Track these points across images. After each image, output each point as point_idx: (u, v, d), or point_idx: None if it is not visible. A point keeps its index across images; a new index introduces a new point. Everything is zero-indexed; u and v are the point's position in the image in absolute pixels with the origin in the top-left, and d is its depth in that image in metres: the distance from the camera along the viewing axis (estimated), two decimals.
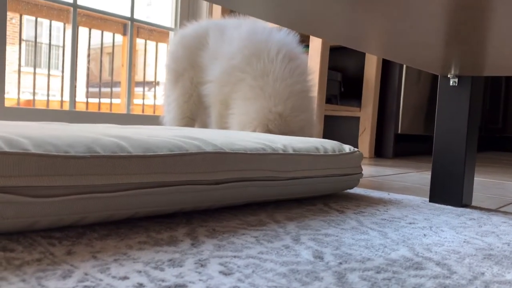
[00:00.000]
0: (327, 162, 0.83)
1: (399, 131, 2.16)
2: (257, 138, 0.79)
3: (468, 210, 0.86)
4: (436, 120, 0.92)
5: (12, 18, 3.70)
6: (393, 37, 0.62)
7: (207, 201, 0.64)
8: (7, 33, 1.67)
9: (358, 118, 2.10)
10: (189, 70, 1.30)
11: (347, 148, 0.90)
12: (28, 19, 4.05)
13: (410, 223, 0.70)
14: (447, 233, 0.65)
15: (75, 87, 1.89)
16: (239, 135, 0.79)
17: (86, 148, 0.52)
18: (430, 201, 0.92)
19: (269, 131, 1.12)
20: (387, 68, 2.12)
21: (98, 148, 0.53)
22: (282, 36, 1.21)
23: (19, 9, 2.27)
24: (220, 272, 0.43)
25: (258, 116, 1.10)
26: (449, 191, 0.91)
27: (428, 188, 1.17)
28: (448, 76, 0.90)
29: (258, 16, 0.50)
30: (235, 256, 0.48)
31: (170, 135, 0.65)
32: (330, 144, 0.88)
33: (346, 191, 1.00)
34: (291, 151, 0.77)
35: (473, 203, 0.96)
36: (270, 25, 1.37)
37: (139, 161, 0.55)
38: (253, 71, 1.14)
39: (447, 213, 0.80)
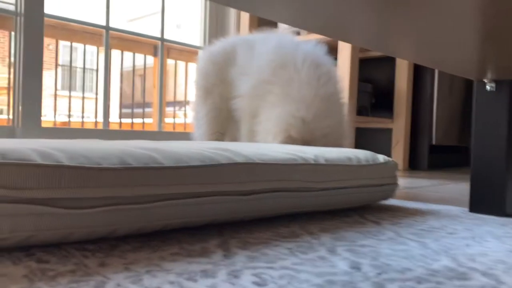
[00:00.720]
0: (360, 172, 0.81)
1: (433, 142, 2.10)
2: (288, 149, 0.77)
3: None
4: (473, 128, 0.88)
5: (49, 44, 3.87)
6: (423, 37, 0.61)
7: (239, 213, 0.63)
8: (45, 59, 1.74)
9: (390, 130, 2.05)
10: (218, 86, 1.31)
11: (381, 158, 0.88)
12: (64, 45, 4.21)
13: (451, 233, 0.67)
14: (491, 243, 0.62)
15: (109, 107, 1.93)
16: (269, 147, 0.78)
17: (119, 160, 0.52)
18: (470, 211, 0.88)
19: (290, 137, 1.09)
20: (418, 77, 2.08)
21: (130, 160, 0.53)
22: (309, 47, 1.20)
23: (55, 35, 2.36)
24: (254, 283, 0.42)
25: (281, 121, 1.08)
26: (491, 200, 0.87)
27: (467, 198, 1.12)
28: (484, 81, 0.87)
29: (286, 22, 0.50)
30: (268, 267, 0.47)
31: (201, 147, 0.65)
32: (363, 154, 0.85)
33: (381, 202, 0.97)
34: (322, 161, 0.75)
35: None
36: (298, 38, 1.37)
37: (171, 172, 0.55)
38: (280, 80, 1.14)
39: (490, 223, 0.76)
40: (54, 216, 0.46)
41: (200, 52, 2.01)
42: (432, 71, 2.07)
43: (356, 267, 0.49)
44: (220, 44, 1.39)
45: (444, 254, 0.55)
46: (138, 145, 0.62)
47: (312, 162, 0.73)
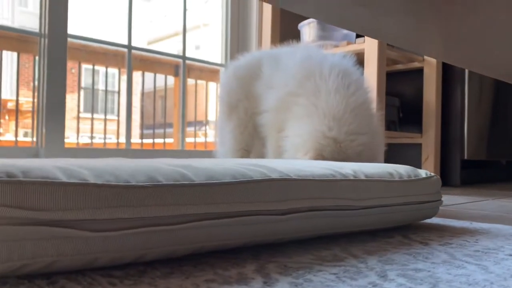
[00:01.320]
0: (403, 188, 0.75)
1: (465, 157, 2.02)
2: (324, 164, 0.72)
3: None
4: None
5: (72, 68, 3.94)
6: (465, 36, 0.56)
7: (276, 234, 0.58)
8: (68, 82, 1.74)
9: (419, 145, 1.98)
10: (243, 101, 1.27)
11: (423, 173, 0.82)
12: (86, 68, 4.29)
13: (511, 255, 0.60)
14: None
15: (131, 126, 1.92)
16: (303, 162, 0.74)
17: (147, 178, 0.48)
18: None
19: (322, 157, 1.03)
20: (447, 90, 2.01)
21: (160, 177, 0.49)
22: (337, 58, 1.15)
23: (78, 57, 2.38)
24: None
25: (311, 139, 1.03)
26: None
27: None
28: None
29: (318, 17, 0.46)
30: None
31: (233, 163, 0.61)
32: (403, 169, 0.79)
33: (423, 221, 0.90)
34: (362, 177, 0.69)
35: None
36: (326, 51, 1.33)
37: (202, 189, 0.51)
38: (306, 91, 1.08)
39: None
40: (79, 239, 0.42)
41: (222, 69, 1.99)
42: (462, 83, 2.00)
43: None
44: (244, 59, 1.35)
45: (511, 279, 0.49)
46: (167, 162, 0.58)
47: (352, 177, 0.68)
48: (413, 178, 0.78)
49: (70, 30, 1.55)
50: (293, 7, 0.45)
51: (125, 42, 1.74)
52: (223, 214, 0.52)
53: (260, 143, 1.25)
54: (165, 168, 0.52)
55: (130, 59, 1.71)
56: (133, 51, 1.73)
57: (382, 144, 1.16)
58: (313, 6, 0.43)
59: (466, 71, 1.98)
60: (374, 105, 1.15)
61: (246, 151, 1.28)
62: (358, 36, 1.67)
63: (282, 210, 0.58)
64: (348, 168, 0.71)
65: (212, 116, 3.70)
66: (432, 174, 0.83)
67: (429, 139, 1.94)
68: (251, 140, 1.27)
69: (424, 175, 0.81)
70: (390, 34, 0.52)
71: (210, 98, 3.40)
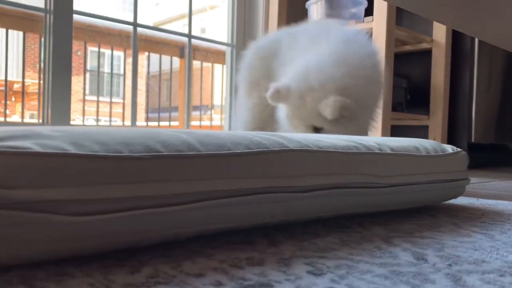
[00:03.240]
0: (431, 164, 0.68)
1: (472, 140, 2.00)
2: (344, 136, 0.66)
3: None
4: None
5: (77, 50, 3.94)
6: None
7: (295, 213, 0.51)
8: (73, 64, 1.73)
9: (426, 127, 1.96)
10: (265, 80, 1.27)
11: (449, 148, 0.75)
12: (91, 51, 4.28)
13: None
14: None
15: (136, 108, 1.92)
16: (322, 135, 0.65)
17: (145, 147, 0.40)
18: None
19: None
20: (456, 72, 1.99)
21: (159, 146, 0.41)
22: (346, 28, 1.15)
23: (83, 37, 2.38)
24: (309, 272, 0.36)
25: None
26: None
27: None
28: None
29: None
30: (322, 257, 0.41)
31: (246, 133, 0.53)
32: (429, 144, 0.72)
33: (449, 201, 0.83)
34: (388, 151, 0.62)
35: None
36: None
37: (211, 162, 0.43)
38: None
39: None
40: (54, 225, 0.34)
41: (228, 52, 1.97)
42: (471, 65, 1.97)
43: (421, 258, 0.42)
44: (266, 38, 1.36)
45: None
46: (170, 131, 0.48)
47: (377, 151, 0.60)
48: (440, 153, 0.71)
49: (76, 7, 1.54)
50: None
51: (131, 21, 1.72)
52: (237, 192, 0.44)
53: (275, 126, 1.24)
54: (167, 134, 0.44)
55: (136, 37, 1.70)
56: (138, 30, 1.72)
57: (371, 115, 1.13)
58: None
59: (476, 53, 1.96)
60: (377, 74, 1.11)
61: (261, 130, 1.27)
62: (366, 15, 1.65)
63: (304, 187, 0.50)
64: (371, 141, 0.63)
65: (217, 100, 3.68)
66: (459, 149, 0.75)
67: (436, 122, 1.92)
68: (269, 121, 1.26)
69: (451, 150, 0.74)
70: None
71: (215, 81, 3.38)
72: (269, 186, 0.47)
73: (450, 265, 0.40)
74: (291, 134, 0.58)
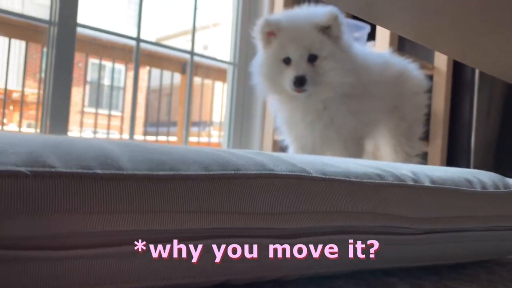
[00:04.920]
0: (489, 204, 0.52)
1: (471, 168, 2.00)
2: (366, 162, 0.51)
3: None
4: None
5: (78, 62, 3.95)
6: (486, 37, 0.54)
7: (278, 270, 0.38)
8: (74, 76, 1.74)
9: (426, 154, 1.96)
10: None
11: None
12: (92, 63, 4.30)
13: None
14: None
15: (135, 122, 1.91)
16: (333, 158, 0.51)
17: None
18: None
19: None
20: (456, 100, 2.00)
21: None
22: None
23: (85, 50, 2.38)
24: None
25: None
26: None
27: None
28: None
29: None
30: None
31: (215, 150, 0.41)
32: (487, 176, 0.56)
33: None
34: (427, 183, 0.47)
35: None
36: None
37: (138, 186, 0.30)
38: None
39: None
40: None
41: (230, 70, 1.98)
42: (471, 93, 1.98)
43: None
44: None
45: None
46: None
47: (411, 182, 0.45)
48: (503, 190, 0.54)
49: (80, 21, 1.54)
50: None
51: (134, 36, 1.73)
52: (180, 232, 0.32)
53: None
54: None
55: (138, 51, 1.70)
56: (141, 46, 1.73)
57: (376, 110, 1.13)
58: None
59: (476, 81, 1.97)
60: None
61: None
62: (369, 39, 1.66)
63: (295, 230, 0.37)
64: (404, 169, 0.48)
65: (217, 117, 3.69)
66: None
67: (435, 148, 1.92)
68: None
69: None
70: (399, 24, 0.51)
71: (215, 98, 3.39)
72: (234, 227, 0.33)
73: None
74: (286, 155, 0.46)
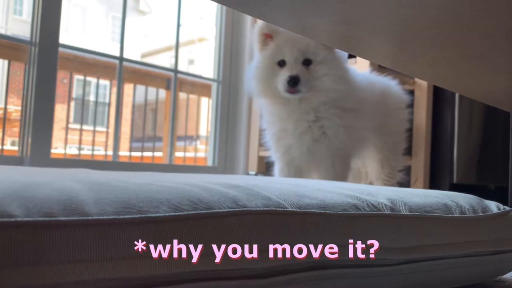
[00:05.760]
0: (468, 230, 0.51)
1: (454, 181, 2.02)
2: (343, 188, 0.49)
3: None
4: (510, 163, 0.81)
5: (63, 78, 3.92)
6: (458, 65, 0.55)
7: None
8: (59, 92, 1.72)
9: (409, 167, 1.98)
10: None
11: (493, 206, 0.58)
12: (77, 79, 4.27)
13: None
14: None
15: (120, 139, 1.90)
16: (310, 181, 0.51)
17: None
18: None
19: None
20: (437, 114, 2.02)
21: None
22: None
23: (70, 67, 2.37)
24: None
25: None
26: None
27: None
28: None
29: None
30: None
31: (182, 182, 0.40)
32: (465, 200, 0.55)
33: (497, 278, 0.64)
34: (404, 211, 0.46)
35: None
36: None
37: (100, 231, 0.30)
38: None
39: None
40: None
41: (214, 87, 1.98)
42: (452, 107, 2.01)
43: None
44: None
45: None
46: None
47: (388, 211, 0.44)
48: (481, 214, 0.53)
49: (63, 40, 1.53)
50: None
51: (118, 54, 1.72)
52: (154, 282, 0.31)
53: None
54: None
55: (121, 70, 1.70)
56: (125, 63, 1.72)
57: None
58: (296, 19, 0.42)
59: (457, 95, 2.00)
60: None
61: None
62: (350, 56, 1.68)
63: (265, 270, 0.35)
64: (381, 195, 0.47)
65: (203, 131, 3.67)
66: (507, 208, 0.59)
67: (418, 162, 1.94)
68: None
69: (496, 209, 0.57)
70: (376, 54, 0.52)
71: (202, 112, 3.38)
72: (206, 270, 0.32)
73: None
74: (265, 185, 0.43)
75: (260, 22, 1.05)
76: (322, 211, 0.41)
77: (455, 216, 0.51)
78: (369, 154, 1.30)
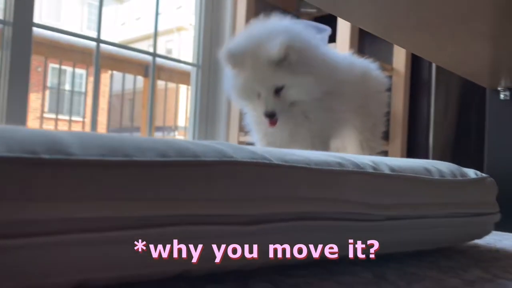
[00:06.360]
0: (447, 192, 0.53)
1: None
2: (328, 153, 0.51)
3: None
4: (486, 139, 0.83)
5: (38, 66, 3.82)
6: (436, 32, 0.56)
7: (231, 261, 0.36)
8: (33, 81, 1.67)
9: (385, 152, 2.01)
10: None
11: (471, 172, 0.60)
12: (52, 67, 4.17)
13: None
14: None
15: (96, 127, 1.86)
16: (296, 151, 0.49)
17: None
18: None
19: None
20: (414, 100, 2.06)
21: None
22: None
23: (44, 52, 2.31)
24: None
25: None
26: (507, 217, 0.81)
27: None
28: (498, 89, 0.82)
29: None
30: None
31: (171, 139, 0.41)
32: (445, 166, 0.57)
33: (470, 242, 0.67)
34: (386, 171, 0.47)
35: None
36: None
37: (88, 172, 0.29)
38: None
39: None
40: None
41: (193, 73, 1.96)
42: (429, 93, 2.05)
43: None
44: None
45: None
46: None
47: (370, 170, 0.46)
48: (460, 178, 0.55)
49: (37, 20, 1.49)
50: None
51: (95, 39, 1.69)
52: (140, 222, 0.31)
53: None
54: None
55: (98, 53, 1.66)
56: (102, 48, 1.69)
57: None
58: None
59: (433, 82, 2.04)
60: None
61: None
62: (330, 41, 1.69)
63: (252, 217, 0.36)
64: (365, 158, 0.49)
65: (182, 121, 3.64)
66: (484, 175, 0.61)
67: (395, 147, 1.97)
68: None
69: (473, 175, 0.59)
70: (360, 17, 0.52)
71: (180, 102, 3.35)
72: (192, 214, 0.32)
73: None
74: (247, 146, 0.44)
75: (222, 51, 1.04)
76: (307, 165, 0.41)
77: (435, 178, 0.53)
78: (349, 135, 1.31)
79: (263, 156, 0.39)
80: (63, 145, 0.29)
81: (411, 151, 2.07)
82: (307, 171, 0.41)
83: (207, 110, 1.95)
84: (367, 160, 0.48)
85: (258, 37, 1.03)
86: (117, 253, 0.30)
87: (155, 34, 1.87)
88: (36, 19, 1.48)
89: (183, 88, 2.98)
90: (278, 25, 1.06)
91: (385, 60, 1.98)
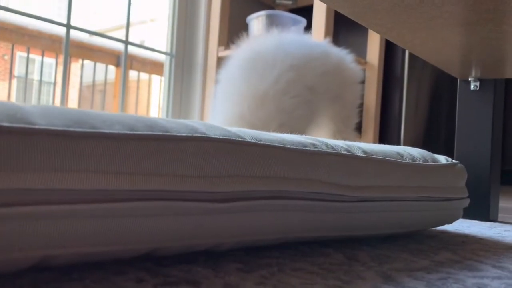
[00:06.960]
0: (418, 175, 0.54)
1: None
2: (302, 136, 0.50)
3: (498, 224, 0.77)
4: (456, 129, 0.85)
5: (4, 54, 3.68)
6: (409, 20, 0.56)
7: (196, 236, 0.35)
8: (0, 69, 1.61)
9: None
10: None
11: (442, 158, 0.61)
12: (20, 56, 4.03)
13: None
14: None
15: None
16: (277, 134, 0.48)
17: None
18: None
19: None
20: (386, 94, 2.09)
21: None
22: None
23: (11, 39, 2.23)
24: None
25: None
26: (475, 205, 0.83)
27: None
28: (469, 79, 0.84)
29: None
30: None
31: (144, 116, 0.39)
32: (416, 151, 0.59)
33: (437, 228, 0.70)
34: (359, 153, 0.48)
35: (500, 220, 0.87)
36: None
37: (50, 142, 0.28)
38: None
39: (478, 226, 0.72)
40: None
41: (166, 63, 1.93)
42: (401, 89, 2.09)
43: None
44: None
45: None
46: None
47: (344, 152, 0.46)
48: (431, 163, 0.57)
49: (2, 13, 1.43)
50: None
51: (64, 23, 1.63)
52: (107, 197, 0.30)
53: None
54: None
55: (68, 39, 1.61)
56: (72, 38, 1.63)
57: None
58: None
59: (405, 76, 2.08)
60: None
61: None
62: (305, 32, 1.69)
63: (222, 194, 0.35)
64: (339, 142, 0.50)
65: (154, 113, 3.59)
66: (454, 161, 0.62)
67: (367, 140, 2.00)
68: None
69: (444, 161, 0.60)
70: None
71: (152, 93, 3.30)
72: (162, 190, 0.31)
73: None
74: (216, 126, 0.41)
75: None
76: (281, 145, 0.41)
77: (407, 162, 0.54)
78: (323, 126, 1.32)
79: (236, 135, 0.39)
80: (24, 115, 0.28)
81: (383, 143, 2.11)
82: (281, 150, 0.40)
83: (180, 100, 1.92)
84: (341, 143, 0.49)
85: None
86: (79, 228, 0.28)
87: (128, 21, 1.83)
88: (3, 2, 1.42)
89: (156, 79, 2.93)
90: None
91: (359, 54, 2.00)
